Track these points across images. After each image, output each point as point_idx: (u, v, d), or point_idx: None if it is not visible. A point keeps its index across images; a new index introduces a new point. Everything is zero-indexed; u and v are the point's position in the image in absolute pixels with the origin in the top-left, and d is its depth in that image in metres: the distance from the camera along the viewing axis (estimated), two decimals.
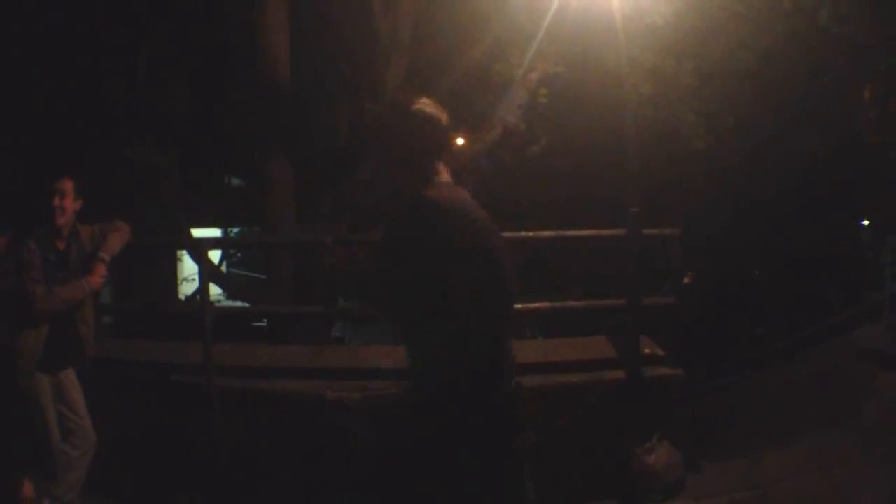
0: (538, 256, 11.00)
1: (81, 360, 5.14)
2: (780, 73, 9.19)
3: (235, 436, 5.75)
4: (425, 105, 3.21)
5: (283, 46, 9.54)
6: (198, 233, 11.99)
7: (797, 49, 8.99)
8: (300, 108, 9.79)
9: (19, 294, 4.82)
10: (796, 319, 9.73)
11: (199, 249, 6.77)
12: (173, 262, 17.32)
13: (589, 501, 5.67)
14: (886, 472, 4.91)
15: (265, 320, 11.43)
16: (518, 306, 5.75)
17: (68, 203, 4.96)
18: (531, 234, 6.32)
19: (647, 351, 6.19)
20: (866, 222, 13.71)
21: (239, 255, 18.03)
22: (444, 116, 3.22)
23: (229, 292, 12.34)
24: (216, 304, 8.35)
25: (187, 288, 17.00)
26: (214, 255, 13.02)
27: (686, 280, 7.22)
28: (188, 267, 16.45)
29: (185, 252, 13.44)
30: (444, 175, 3.20)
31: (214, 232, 17.87)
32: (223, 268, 15.47)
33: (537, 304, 6.66)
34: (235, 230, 18.90)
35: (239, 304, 11.86)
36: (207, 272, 6.69)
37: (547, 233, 6.16)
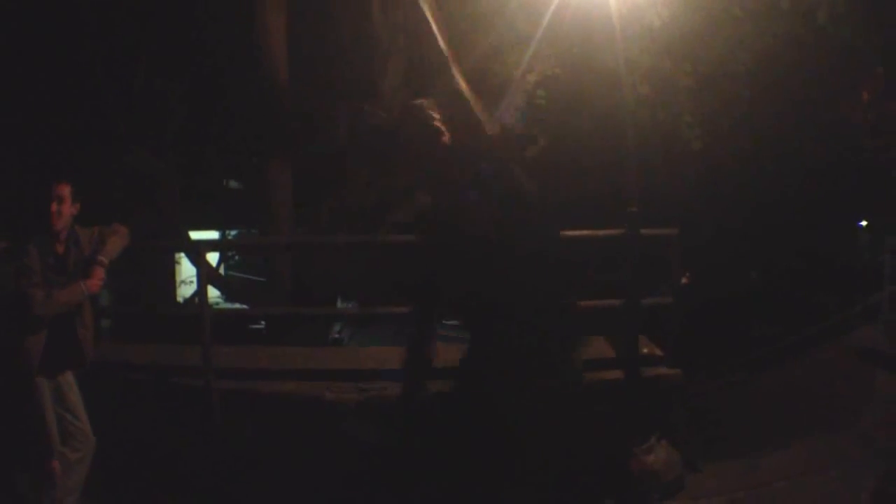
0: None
1: (80, 363, 5.14)
2: (777, 74, 9.20)
3: (235, 438, 5.76)
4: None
5: (281, 49, 9.54)
6: (195, 235, 11.99)
7: (795, 50, 9.00)
8: (298, 111, 9.80)
9: (18, 298, 4.83)
10: (794, 320, 9.74)
11: (197, 252, 6.77)
12: (171, 265, 17.29)
13: (588, 501, 5.67)
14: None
15: (263, 322, 11.45)
16: None
17: (66, 208, 4.96)
18: None
19: (645, 351, 6.22)
20: (864, 223, 13.73)
21: (237, 257, 18.02)
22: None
23: (227, 295, 12.33)
24: (215, 307, 8.35)
25: (185, 290, 16.98)
26: (212, 258, 13.00)
27: (684, 280, 7.22)
28: (186, 269, 16.44)
29: (183, 255, 13.46)
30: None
31: (212, 234, 17.86)
32: (221, 270, 15.45)
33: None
34: (233, 233, 18.89)
35: (237, 306, 11.86)
36: (206, 274, 6.68)
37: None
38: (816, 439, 5.90)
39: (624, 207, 6.14)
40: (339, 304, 11.05)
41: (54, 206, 4.91)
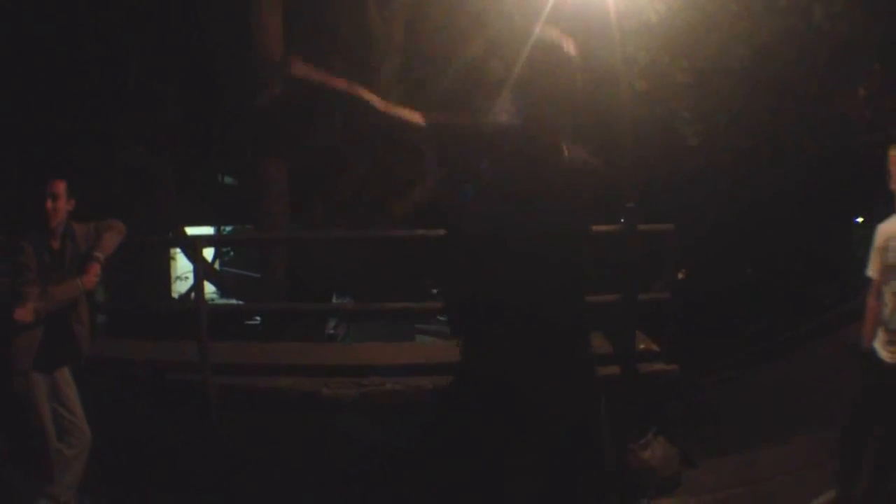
0: None
1: (77, 359, 5.15)
2: (774, 70, 9.19)
3: (231, 433, 5.75)
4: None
5: (277, 45, 9.52)
6: (191, 231, 11.96)
7: (791, 47, 9.00)
8: (294, 106, 9.78)
9: (14, 294, 4.83)
10: (790, 316, 9.74)
11: (194, 247, 6.76)
12: (167, 261, 17.27)
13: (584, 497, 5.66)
14: None
15: (259, 318, 11.44)
16: None
17: (61, 204, 4.98)
18: None
19: (642, 347, 6.22)
20: (860, 220, 13.74)
21: (231, 253, 18.00)
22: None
23: (223, 290, 12.32)
24: (210, 303, 8.34)
25: (181, 286, 16.96)
26: (207, 254, 12.98)
27: (680, 276, 7.22)
28: (181, 265, 16.42)
29: (178, 250, 13.43)
30: None
31: (207, 230, 17.83)
32: (216, 266, 15.43)
33: None
34: (228, 228, 18.86)
35: (233, 302, 11.84)
36: (202, 270, 6.68)
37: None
38: (812, 435, 5.91)
39: (621, 203, 6.13)
40: (335, 299, 11.05)
41: (49, 203, 4.93)
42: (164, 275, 16.99)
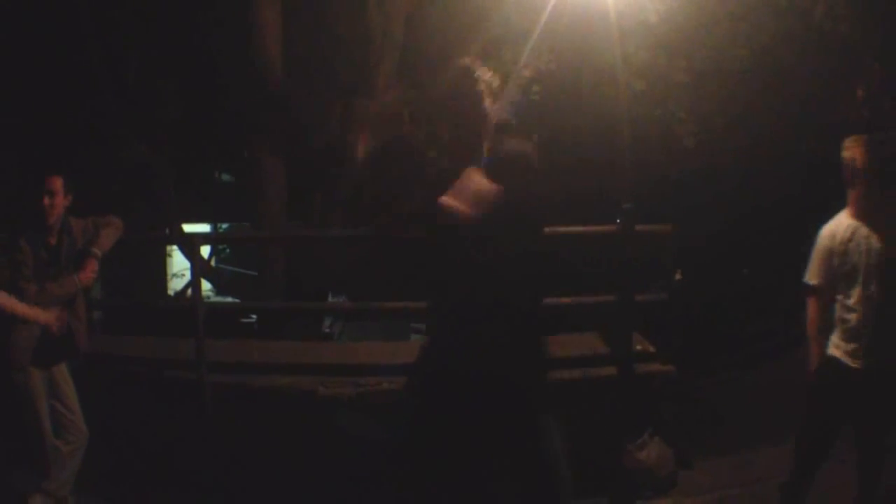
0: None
1: (74, 355, 5.15)
2: (773, 71, 9.20)
3: (228, 431, 5.75)
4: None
5: (276, 43, 9.51)
6: (188, 228, 11.95)
7: (791, 48, 9.00)
8: (292, 105, 9.77)
9: (12, 291, 4.83)
10: (788, 317, 9.75)
11: (191, 245, 6.76)
12: (163, 258, 17.26)
13: (580, 498, 5.67)
14: None
15: (254, 316, 11.43)
16: None
17: (58, 201, 4.99)
18: None
19: (638, 347, 6.22)
20: None
21: (227, 250, 18.00)
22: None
23: (219, 288, 12.32)
24: (207, 300, 8.33)
25: (177, 283, 16.95)
26: (203, 251, 12.98)
27: (677, 277, 7.22)
28: (178, 262, 16.41)
29: (174, 247, 13.42)
30: None
31: (204, 228, 17.84)
32: (212, 263, 15.43)
33: None
34: (225, 226, 18.87)
35: (229, 299, 11.84)
36: (199, 268, 6.67)
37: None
38: None
39: (618, 203, 6.13)
40: (330, 298, 11.05)
41: (46, 200, 4.93)
42: (160, 272, 16.99)
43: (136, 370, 6.25)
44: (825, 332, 4.48)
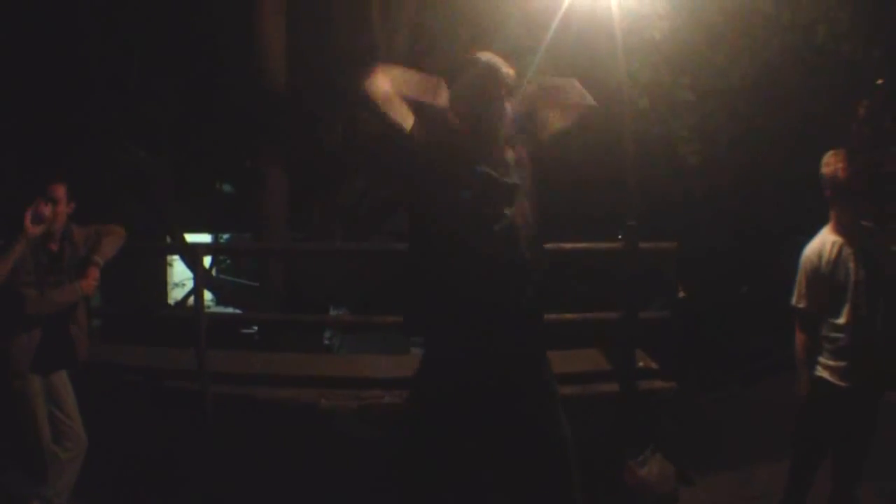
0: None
1: (73, 363, 5.14)
2: (776, 89, 9.21)
3: (228, 442, 5.73)
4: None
5: (279, 54, 9.53)
6: (188, 238, 11.95)
7: (794, 66, 9.02)
8: (295, 116, 9.79)
9: (12, 297, 4.82)
10: (788, 334, 9.75)
11: (194, 255, 6.75)
12: (163, 267, 17.26)
13: None
14: (877, 487, 4.93)
15: (255, 327, 11.41)
16: None
17: (61, 209, 4.99)
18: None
19: (640, 364, 6.22)
20: None
21: (228, 261, 18.00)
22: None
23: (220, 298, 12.31)
24: (208, 311, 8.32)
25: (178, 293, 16.95)
26: (205, 261, 13.00)
27: (681, 294, 7.23)
28: (178, 272, 16.41)
29: (175, 257, 13.42)
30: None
31: (205, 238, 17.84)
32: (213, 273, 15.43)
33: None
34: (225, 236, 18.87)
35: (230, 310, 11.83)
36: (202, 278, 6.67)
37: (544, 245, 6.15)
38: None
39: (622, 220, 6.14)
40: (331, 311, 11.05)
41: (49, 207, 4.92)
42: (160, 281, 17.00)
43: (136, 379, 6.25)
44: (814, 356, 4.45)
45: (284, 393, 5.96)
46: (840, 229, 4.35)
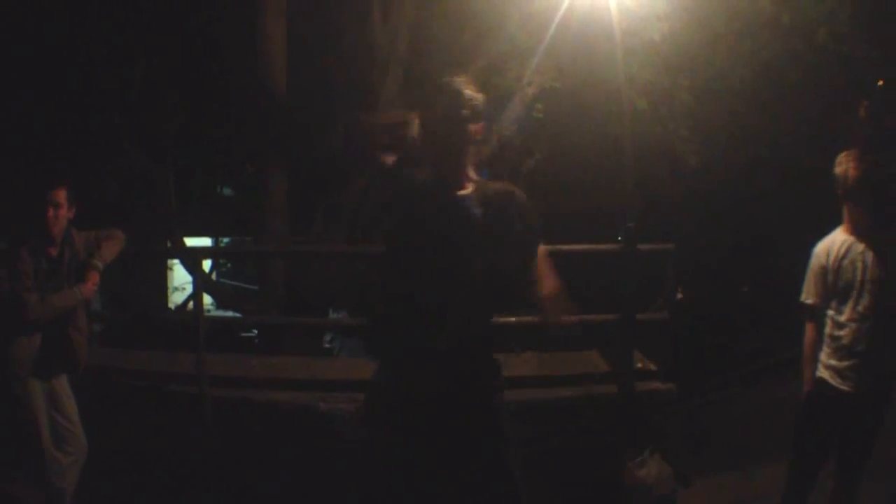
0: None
1: (74, 367, 5.14)
2: (776, 91, 9.21)
3: (228, 446, 5.74)
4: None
5: (280, 56, 9.53)
6: (189, 242, 11.98)
7: (794, 67, 9.01)
8: (296, 119, 9.79)
9: (12, 302, 4.83)
10: (787, 335, 9.77)
11: (193, 259, 6.75)
12: (163, 271, 17.27)
13: None
14: (876, 487, 4.93)
15: (255, 331, 11.41)
16: (511, 319, 5.79)
17: (62, 213, 5.01)
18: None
19: (639, 365, 6.21)
20: None
21: (228, 265, 18.01)
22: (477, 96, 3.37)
23: (220, 302, 12.31)
24: (208, 314, 8.33)
25: (178, 297, 16.96)
26: (205, 265, 13.00)
27: (679, 296, 7.22)
28: (179, 276, 16.41)
29: (175, 261, 13.42)
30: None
31: (205, 241, 17.86)
32: (213, 277, 15.44)
33: (529, 318, 6.65)
34: (226, 240, 18.88)
35: (229, 313, 11.83)
36: (202, 282, 6.67)
37: (542, 247, 6.15)
38: None
39: (621, 221, 6.14)
40: (331, 313, 11.05)
41: (51, 212, 4.94)
42: (161, 285, 17.00)
43: (136, 383, 6.24)
44: (819, 353, 4.43)
45: (284, 396, 5.96)
46: (851, 228, 4.35)
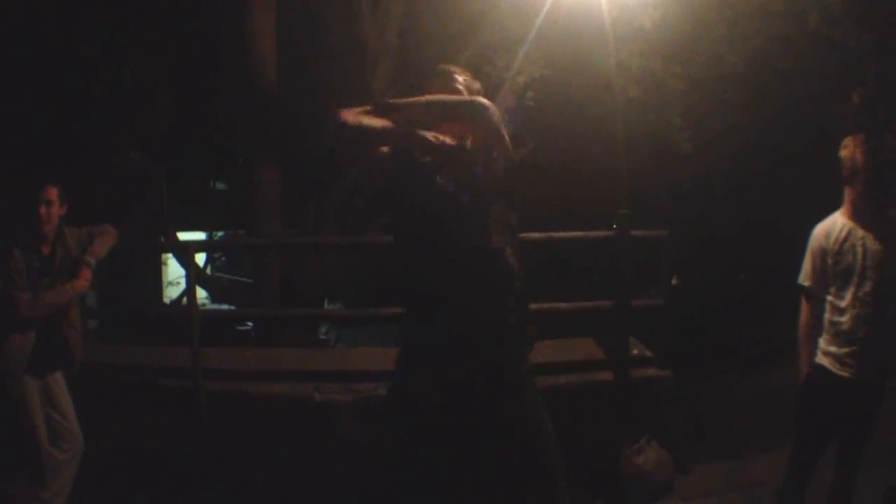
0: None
1: (69, 364, 5.14)
2: (768, 77, 9.20)
3: (223, 439, 5.73)
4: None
5: (270, 51, 9.51)
6: (182, 236, 11.96)
7: (786, 53, 8.99)
8: (287, 112, 9.77)
9: (5, 300, 4.82)
10: (784, 322, 9.79)
11: (186, 252, 6.73)
12: (158, 266, 17.26)
13: (577, 502, 5.66)
14: (872, 474, 4.93)
15: (250, 323, 11.40)
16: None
17: (54, 211, 5.00)
18: (520, 235, 6.29)
19: (635, 352, 6.21)
20: None
21: (223, 258, 18.00)
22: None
23: (214, 295, 12.30)
24: (202, 308, 8.32)
25: (172, 292, 16.96)
26: (199, 259, 12.99)
27: (674, 282, 7.23)
28: (173, 270, 16.41)
29: (169, 255, 13.41)
30: None
31: (199, 235, 17.84)
32: (207, 271, 15.43)
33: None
34: (220, 234, 18.88)
35: (224, 307, 11.82)
36: (195, 275, 6.65)
37: (536, 234, 6.12)
38: None
39: (614, 209, 6.13)
40: (326, 304, 11.04)
41: (42, 210, 4.93)
42: (155, 280, 17.00)
43: (131, 378, 6.23)
44: (817, 339, 4.39)
45: (279, 388, 5.95)
46: (852, 212, 4.30)
